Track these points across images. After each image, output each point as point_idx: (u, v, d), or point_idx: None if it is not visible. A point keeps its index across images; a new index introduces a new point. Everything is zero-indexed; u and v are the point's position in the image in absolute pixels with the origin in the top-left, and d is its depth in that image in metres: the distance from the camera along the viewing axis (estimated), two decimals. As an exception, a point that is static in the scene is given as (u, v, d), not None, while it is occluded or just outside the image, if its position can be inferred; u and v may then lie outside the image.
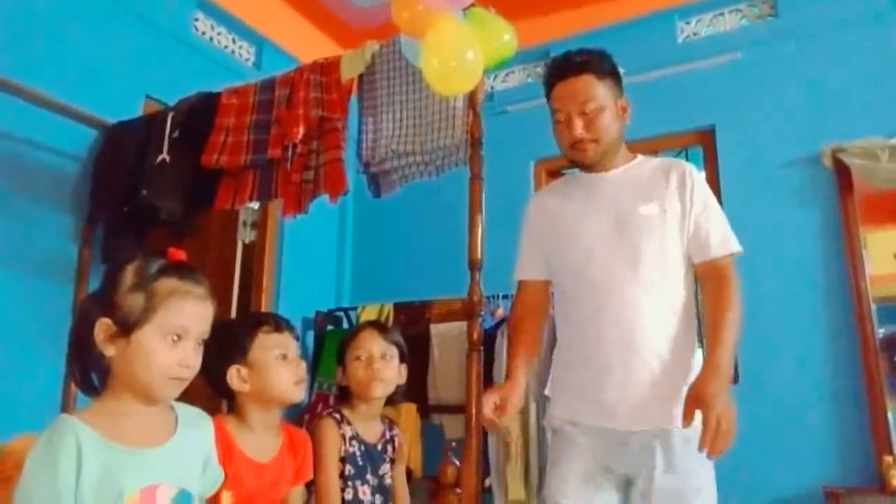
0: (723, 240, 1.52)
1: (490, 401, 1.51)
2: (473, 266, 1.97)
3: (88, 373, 1.11)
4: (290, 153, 2.25)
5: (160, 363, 1.07)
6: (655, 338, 1.46)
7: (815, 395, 2.71)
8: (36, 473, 0.99)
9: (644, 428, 1.44)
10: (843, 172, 2.84)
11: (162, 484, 1.07)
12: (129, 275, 1.10)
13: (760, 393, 2.70)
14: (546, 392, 1.67)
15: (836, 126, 2.86)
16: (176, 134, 2.46)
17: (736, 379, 2.71)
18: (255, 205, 3.43)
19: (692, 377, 1.41)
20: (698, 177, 1.58)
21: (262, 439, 1.49)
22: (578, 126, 1.53)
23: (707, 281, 1.51)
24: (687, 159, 3.15)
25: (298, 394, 1.54)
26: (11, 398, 2.18)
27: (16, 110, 2.42)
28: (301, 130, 2.20)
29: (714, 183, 3.16)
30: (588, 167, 1.61)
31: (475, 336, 1.89)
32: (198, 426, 1.19)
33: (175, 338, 1.09)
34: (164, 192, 2.41)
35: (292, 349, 1.54)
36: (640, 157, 1.65)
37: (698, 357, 1.49)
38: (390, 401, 1.86)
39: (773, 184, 2.96)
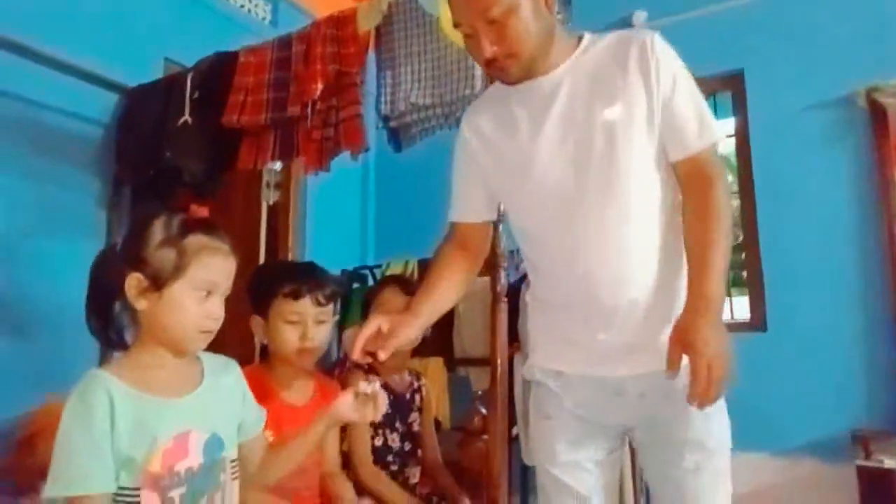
0: (700, 129, 1.22)
1: (370, 329, 1.27)
2: (496, 220, 1.96)
3: (109, 326, 1.14)
4: (309, 110, 2.25)
5: (191, 317, 1.10)
6: (644, 268, 1.22)
7: (845, 340, 2.68)
8: (72, 428, 1.03)
9: (641, 372, 1.22)
10: (878, 113, 2.75)
11: (193, 430, 1.11)
12: (156, 231, 1.12)
13: (789, 338, 2.68)
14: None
15: (872, 65, 2.76)
16: (196, 95, 2.46)
17: (764, 327, 2.68)
18: (278, 166, 3.45)
19: None
20: (661, 49, 1.24)
21: (294, 386, 1.54)
22: (486, 42, 1.21)
23: (687, 184, 1.23)
24: (715, 106, 3.08)
25: (302, 360, 1.56)
26: (47, 361, 2.25)
27: (36, 76, 2.43)
28: (319, 86, 2.18)
29: (744, 128, 3.08)
30: (518, 82, 1.28)
31: (498, 288, 1.90)
32: (226, 372, 1.22)
33: (205, 293, 1.11)
34: (187, 154, 2.43)
35: (307, 315, 1.56)
36: (585, 39, 1.30)
37: None
38: (418, 353, 1.89)
39: (804, 128, 2.88)
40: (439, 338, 3.10)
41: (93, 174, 2.69)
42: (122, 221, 2.67)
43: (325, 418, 1.28)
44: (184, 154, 2.43)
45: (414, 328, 1.30)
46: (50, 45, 2.41)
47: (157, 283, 1.09)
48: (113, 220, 2.69)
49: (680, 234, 1.23)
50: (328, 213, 3.68)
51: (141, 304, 1.10)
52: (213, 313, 1.12)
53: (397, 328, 1.27)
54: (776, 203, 2.83)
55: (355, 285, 3.55)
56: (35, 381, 2.03)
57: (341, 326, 3.33)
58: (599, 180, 1.22)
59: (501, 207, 1.84)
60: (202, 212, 1.18)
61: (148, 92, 2.66)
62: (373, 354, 1.24)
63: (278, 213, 3.54)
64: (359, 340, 1.24)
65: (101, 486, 1.03)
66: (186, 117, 2.44)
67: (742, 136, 3.08)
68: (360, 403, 1.25)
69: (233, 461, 1.17)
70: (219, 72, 2.44)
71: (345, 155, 2.22)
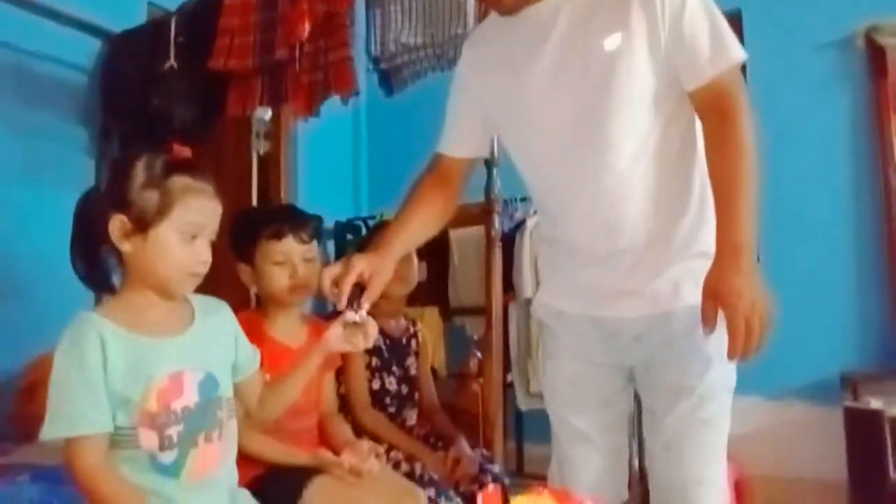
0: (713, 52, 1.11)
1: (352, 275, 1.20)
2: (490, 163, 1.94)
3: (95, 269, 1.13)
4: (298, 53, 2.19)
5: (178, 260, 1.08)
6: (642, 212, 1.16)
7: (837, 283, 2.70)
8: (66, 369, 1.02)
9: (637, 315, 1.19)
10: (877, 54, 2.71)
11: (187, 369, 1.10)
12: (139, 171, 1.09)
13: (782, 282, 2.67)
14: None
15: (871, 3, 2.70)
16: (181, 39, 2.39)
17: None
18: (268, 115, 3.39)
19: (697, 246, 1.15)
20: None
21: (288, 328, 1.55)
22: None
23: (704, 117, 1.13)
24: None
25: (292, 298, 1.56)
26: (41, 313, 2.24)
27: (18, 22, 2.36)
28: (307, 27, 2.12)
29: (741, 71, 3.03)
30: (513, 11, 1.21)
31: (493, 233, 1.90)
32: (216, 313, 1.21)
33: (191, 235, 1.09)
34: (175, 100, 2.38)
35: (293, 254, 1.56)
36: None
37: (704, 215, 1.17)
38: (414, 299, 1.89)
39: (802, 70, 2.84)
40: (434, 287, 3.11)
41: (79, 123, 2.63)
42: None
43: (318, 351, 1.27)
44: (171, 100, 2.37)
45: (387, 265, 1.26)
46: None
47: (142, 224, 1.07)
48: (101, 170, 2.64)
49: (690, 173, 1.17)
50: (320, 162, 3.63)
51: (125, 247, 1.08)
52: (199, 256, 1.10)
53: (376, 275, 1.22)
54: (773, 145, 2.80)
55: (349, 237, 3.54)
56: (28, 334, 2.02)
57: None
58: (595, 116, 1.14)
59: (496, 149, 1.83)
60: (185, 152, 1.14)
61: (132, 38, 2.58)
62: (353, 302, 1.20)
63: (269, 165, 3.48)
64: (343, 287, 1.19)
65: (99, 426, 1.03)
66: (172, 62, 2.38)
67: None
68: (350, 333, 1.23)
69: (229, 400, 1.17)
70: (204, 14, 2.37)
71: (336, 102, 2.17)
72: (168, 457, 1.07)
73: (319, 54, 2.18)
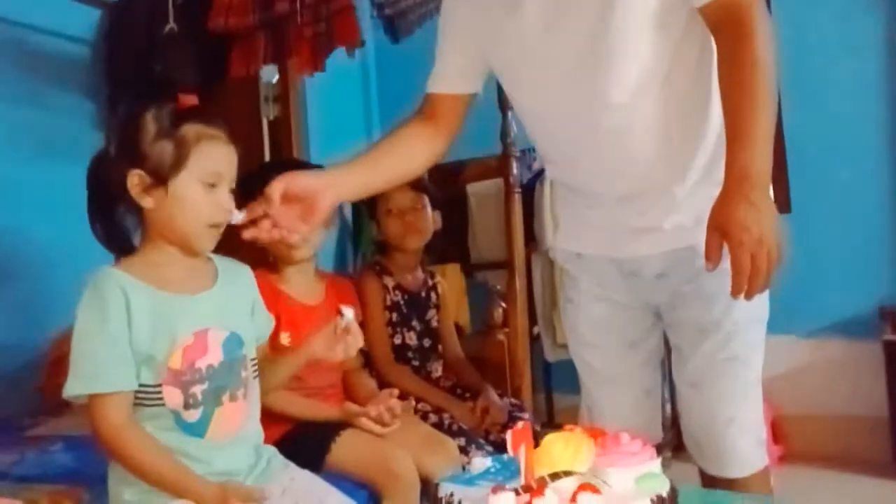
0: None
1: (288, 184, 1.06)
2: (504, 106, 1.87)
3: (113, 230, 1.10)
4: (299, 5, 2.13)
5: (200, 210, 1.05)
6: (650, 150, 1.09)
7: (871, 217, 2.59)
8: (88, 325, 1.01)
9: (656, 252, 1.13)
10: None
11: (212, 327, 1.08)
12: (149, 124, 1.06)
13: (814, 218, 2.59)
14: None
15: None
16: (180, 1, 2.33)
17: (788, 207, 2.59)
18: (275, 78, 3.34)
19: (719, 173, 1.03)
20: None
21: (304, 286, 1.52)
22: None
23: (716, 35, 1.03)
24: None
25: (301, 252, 1.52)
26: (60, 287, 2.24)
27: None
28: (306, -23, 2.06)
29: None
30: None
31: (511, 179, 1.84)
32: (238, 274, 1.19)
33: (211, 184, 1.06)
34: (178, 64, 2.33)
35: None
36: None
37: (724, 141, 1.04)
38: (430, 250, 1.85)
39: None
40: (455, 243, 3.07)
41: (85, 96, 2.60)
42: (120, 143, 2.61)
43: (302, 352, 1.23)
44: (174, 65, 2.33)
45: (342, 190, 1.12)
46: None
47: (160, 177, 1.04)
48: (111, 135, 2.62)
49: (707, 100, 1.08)
50: (330, 122, 3.57)
51: (147, 203, 1.05)
52: (222, 204, 1.06)
53: (319, 194, 1.06)
54: (798, 74, 2.68)
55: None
56: (51, 308, 2.02)
57: (356, 235, 3.32)
58: (596, 46, 1.04)
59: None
60: (191, 100, 1.10)
61: (131, 4, 2.53)
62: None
63: (280, 129, 3.44)
64: (272, 193, 1.03)
65: (122, 383, 1.01)
66: (172, 24, 2.33)
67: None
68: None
69: (252, 359, 1.15)
70: (201, -27, 2.31)
71: (343, 59, 2.11)
72: (192, 415, 1.05)
73: (321, 5, 2.13)
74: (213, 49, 2.33)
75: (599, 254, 1.20)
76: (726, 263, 0.94)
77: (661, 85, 1.06)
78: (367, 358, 1.68)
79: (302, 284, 1.51)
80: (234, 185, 1.09)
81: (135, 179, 1.04)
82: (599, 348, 1.27)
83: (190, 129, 1.05)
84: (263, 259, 1.53)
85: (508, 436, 0.72)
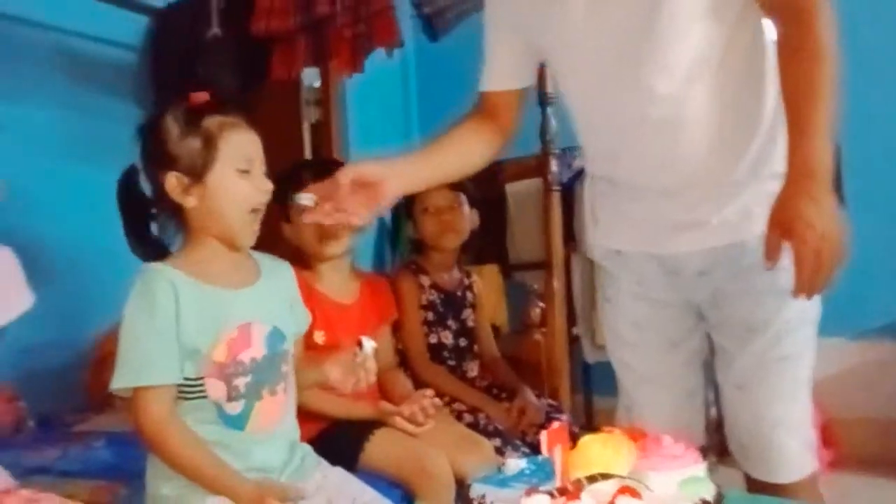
0: None
1: (359, 169, 1.08)
2: (543, 102, 1.85)
3: (148, 242, 1.13)
4: (338, 7, 2.14)
5: (241, 197, 1.07)
6: (701, 140, 1.05)
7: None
8: (136, 318, 1.03)
9: (700, 248, 1.09)
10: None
11: (256, 321, 1.10)
12: (170, 125, 1.09)
13: (867, 213, 2.47)
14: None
15: None
16: (223, 5, 2.38)
17: (841, 200, 2.49)
18: (316, 83, 3.38)
19: (770, 166, 1.02)
20: None
21: (338, 284, 1.52)
22: None
23: (777, 18, 0.99)
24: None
25: (332, 249, 1.53)
26: (105, 288, 2.30)
27: (68, 4, 2.39)
28: (345, -22, 2.07)
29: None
30: None
31: (549, 176, 1.81)
32: (279, 269, 1.21)
33: (244, 171, 1.08)
34: (220, 69, 2.38)
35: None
36: None
37: (777, 131, 1.03)
38: (467, 249, 1.83)
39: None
40: (493, 244, 3.05)
41: (132, 102, 2.66)
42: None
43: (320, 372, 1.22)
44: (216, 69, 2.37)
45: (406, 180, 1.14)
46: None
47: (196, 174, 1.06)
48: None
49: (761, 88, 1.04)
50: (371, 124, 3.60)
51: (189, 202, 1.07)
52: (261, 185, 1.09)
53: (385, 182, 1.08)
54: (851, 57, 2.58)
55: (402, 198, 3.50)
56: (95, 308, 2.08)
57: (394, 234, 3.32)
58: (644, 34, 1.01)
59: (548, 86, 1.72)
60: (202, 96, 1.12)
61: (176, 10, 2.59)
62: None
63: (321, 132, 3.48)
64: (342, 177, 1.05)
65: (167, 376, 1.03)
66: (215, 29, 2.37)
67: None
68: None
69: (292, 355, 1.17)
70: (243, -22, 2.35)
71: (384, 60, 2.12)
72: (234, 408, 1.07)
73: (360, 6, 2.13)
74: (256, 53, 2.36)
75: (639, 250, 1.16)
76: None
77: (713, 74, 1.03)
78: (402, 357, 1.68)
79: (336, 283, 1.52)
80: (265, 169, 1.11)
81: (172, 181, 1.06)
82: (639, 348, 1.23)
83: (212, 122, 1.07)
84: (298, 257, 1.54)
85: (543, 436, 0.70)
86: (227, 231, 1.09)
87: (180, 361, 1.03)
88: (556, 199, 1.81)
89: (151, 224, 1.13)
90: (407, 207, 1.80)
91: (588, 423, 2.97)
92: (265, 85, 2.47)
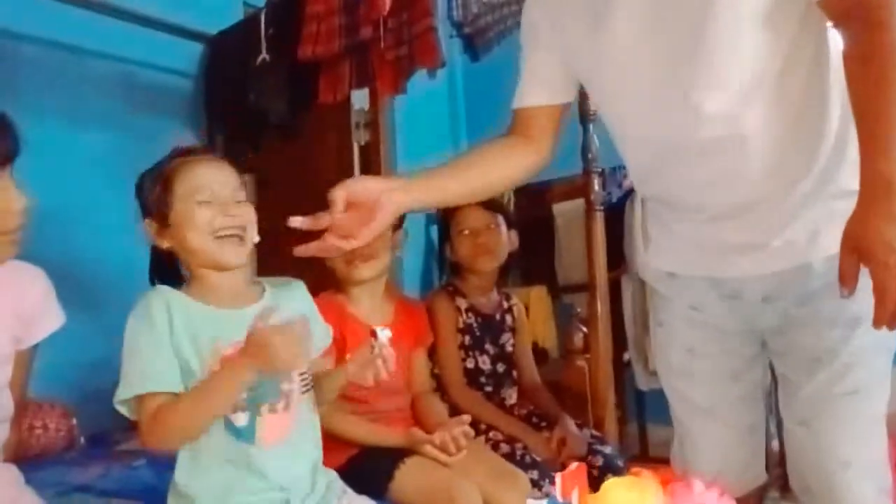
0: None
1: (346, 190, 1.00)
2: (585, 119, 1.80)
3: (166, 276, 1.17)
4: (382, 31, 2.16)
5: (202, 224, 1.09)
6: (764, 155, 0.97)
7: None
8: (135, 333, 1.06)
9: (764, 272, 1.01)
10: None
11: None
12: (146, 179, 1.16)
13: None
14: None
15: None
16: (271, 31, 2.44)
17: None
18: (366, 105, 3.42)
19: (837, 182, 0.96)
20: None
21: (371, 306, 1.50)
22: None
23: (844, 25, 0.92)
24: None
25: (360, 273, 1.52)
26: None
27: (125, 33, 2.49)
28: (388, 1, 2.08)
29: None
30: None
31: (592, 195, 1.75)
32: (287, 289, 1.20)
33: (203, 201, 1.09)
34: (269, 94, 2.44)
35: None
36: None
37: (846, 145, 0.97)
38: (506, 272, 1.79)
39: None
40: (541, 265, 3.00)
41: (187, 128, 2.75)
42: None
43: (342, 372, 1.21)
44: (266, 94, 2.43)
45: (413, 195, 1.05)
46: (134, 1, 2.45)
47: (162, 216, 1.11)
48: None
49: (825, 100, 0.97)
50: (419, 145, 3.61)
51: (163, 243, 1.13)
52: (220, 212, 1.09)
53: (384, 196, 0.99)
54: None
55: (453, 220, 3.49)
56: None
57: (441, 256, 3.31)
58: (694, 49, 0.95)
59: (590, 103, 1.67)
60: (185, 141, 1.18)
61: (228, 37, 2.67)
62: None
63: (370, 154, 3.51)
64: (335, 198, 0.98)
65: (166, 384, 1.03)
66: (264, 55, 2.43)
67: None
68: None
69: (302, 374, 1.14)
70: (291, 4, 2.40)
71: (432, 81, 2.11)
72: (240, 419, 1.07)
73: (403, 28, 2.14)
74: (304, 77, 2.40)
75: (695, 273, 1.09)
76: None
77: (771, 91, 0.95)
78: (438, 382, 1.64)
79: (368, 306, 1.50)
80: (239, 199, 1.12)
81: (149, 228, 1.13)
82: (693, 377, 1.16)
83: (171, 164, 1.13)
84: (334, 279, 1.53)
85: (558, 479, 0.65)
86: (203, 259, 1.11)
87: (182, 377, 1.05)
88: (598, 219, 1.75)
89: (161, 267, 1.17)
90: (444, 228, 1.77)
91: (643, 453, 2.86)
92: (316, 109, 2.51)
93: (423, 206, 1.13)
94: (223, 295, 1.12)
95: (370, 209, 0.99)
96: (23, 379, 1.16)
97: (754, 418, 1.18)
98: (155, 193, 1.12)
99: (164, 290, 1.09)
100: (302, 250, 1.02)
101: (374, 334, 1.14)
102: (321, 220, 1.00)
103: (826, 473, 1.05)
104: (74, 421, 1.95)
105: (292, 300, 1.19)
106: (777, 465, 1.79)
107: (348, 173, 3.47)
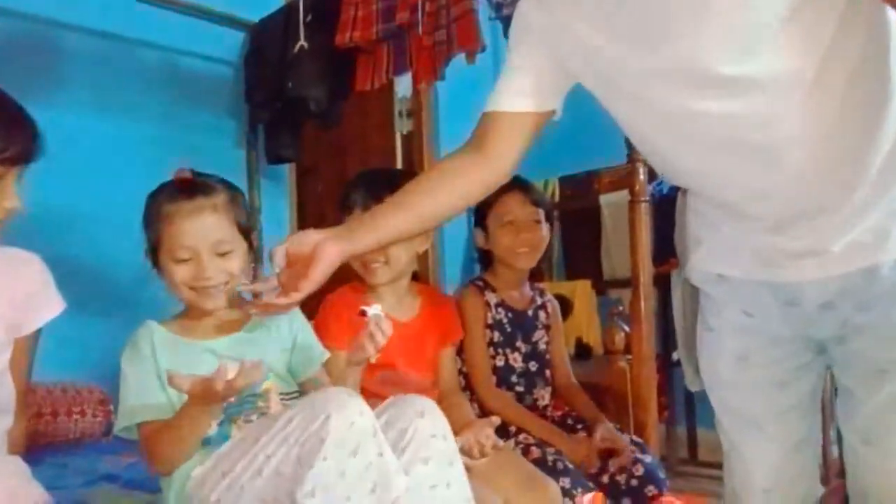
0: None
1: (290, 243, 1.04)
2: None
3: None
4: (420, 15, 2.09)
5: (177, 281, 1.16)
6: (812, 160, 0.88)
7: None
8: (126, 368, 1.14)
9: (826, 276, 0.93)
10: None
11: (230, 362, 1.05)
12: (148, 208, 1.20)
13: None
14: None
15: None
16: (309, 18, 2.40)
17: None
18: (409, 93, 3.37)
19: None
20: None
21: (394, 300, 1.47)
22: None
23: None
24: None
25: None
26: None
27: (167, 22, 2.50)
28: (427, -16, 2.02)
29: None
30: None
31: (636, 186, 1.65)
32: (275, 317, 1.22)
33: (183, 258, 1.14)
34: (308, 81, 2.41)
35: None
36: None
37: None
38: (540, 268, 1.71)
39: None
40: (588, 258, 2.89)
41: (229, 115, 2.76)
42: (259, 160, 2.73)
43: (346, 369, 1.26)
44: (304, 82, 2.41)
45: (347, 244, 1.03)
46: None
47: (154, 257, 1.19)
48: (251, 160, 2.75)
49: (878, 98, 0.86)
50: (462, 134, 3.53)
51: (162, 277, 1.19)
52: (199, 273, 1.14)
53: (319, 248, 1.00)
54: None
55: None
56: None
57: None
58: (728, 48, 0.84)
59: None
60: (184, 173, 1.21)
61: (268, 25, 2.66)
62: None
63: (412, 143, 3.47)
64: (274, 256, 1.03)
65: (153, 414, 1.10)
66: (302, 42, 2.40)
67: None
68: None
69: (286, 394, 1.19)
70: (328, -10, 2.36)
71: (476, 71, 2.03)
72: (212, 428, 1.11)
73: (441, 12, 2.08)
74: (340, 63, 2.37)
75: (749, 277, 1.00)
76: None
77: (812, 85, 0.84)
78: (466, 381, 1.56)
79: (392, 302, 1.43)
80: (222, 249, 1.15)
81: (148, 253, 1.20)
82: (741, 386, 1.09)
83: (161, 210, 1.16)
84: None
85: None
86: (185, 301, 1.19)
87: (174, 400, 1.11)
88: (643, 210, 1.64)
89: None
90: (477, 216, 1.69)
91: (692, 456, 2.74)
92: (359, 97, 2.48)
93: (371, 248, 1.10)
94: (206, 325, 1.19)
95: (305, 264, 1.01)
96: (25, 366, 1.17)
97: (804, 433, 1.10)
98: (150, 234, 1.19)
99: (151, 326, 1.17)
100: (254, 312, 1.13)
101: (363, 314, 1.15)
102: (269, 282, 1.06)
103: (890, 495, 0.98)
104: (111, 407, 1.98)
105: (276, 327, 1.23)
106: (837, 475, 1.67)
107: (391, 162, 3.44)
